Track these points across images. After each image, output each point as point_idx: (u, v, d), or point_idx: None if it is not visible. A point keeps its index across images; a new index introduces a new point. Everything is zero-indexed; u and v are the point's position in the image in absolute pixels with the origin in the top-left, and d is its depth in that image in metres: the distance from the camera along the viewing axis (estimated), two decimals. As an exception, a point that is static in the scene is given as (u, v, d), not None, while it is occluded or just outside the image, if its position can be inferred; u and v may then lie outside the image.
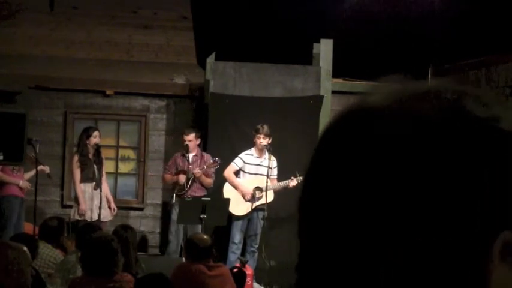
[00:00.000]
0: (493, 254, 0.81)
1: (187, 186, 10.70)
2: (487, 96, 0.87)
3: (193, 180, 10.68)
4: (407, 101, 0.85)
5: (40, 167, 10.42)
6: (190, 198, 10.30)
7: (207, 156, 10.91)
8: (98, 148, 10.68)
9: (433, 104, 0.84)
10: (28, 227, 9.94)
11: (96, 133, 10.74)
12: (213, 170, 10.78)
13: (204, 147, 11.57)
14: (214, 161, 10.66)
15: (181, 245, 10.73)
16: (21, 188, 10.73)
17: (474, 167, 0.82)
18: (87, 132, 10.74)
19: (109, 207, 10.77)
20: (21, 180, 10.68)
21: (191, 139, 10.77)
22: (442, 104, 0.84)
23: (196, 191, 10.65)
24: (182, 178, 10.73)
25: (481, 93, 0.87)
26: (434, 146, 0.82)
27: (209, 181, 10.81)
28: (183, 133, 11.04)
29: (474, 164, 0.82)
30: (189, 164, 10.77)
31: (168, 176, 10.98)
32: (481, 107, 0.85)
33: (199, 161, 10.76)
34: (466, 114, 0.84)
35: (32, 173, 10.60)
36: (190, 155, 10.83)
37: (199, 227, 10.15)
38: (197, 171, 10.61)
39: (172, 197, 10.71)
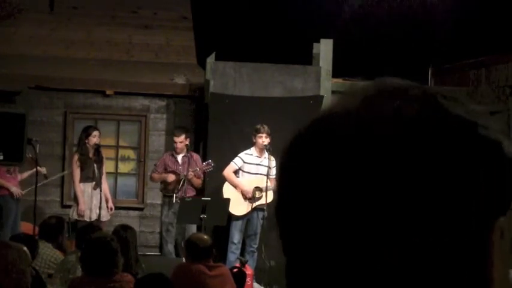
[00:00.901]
0: (491, 242, 0.83)
1: (178, 187, 10.68)
2: (455, 93, 0.87)
3: (184, 182, 10.67)
4: (386, 100, 0.85)
5: (37, 168, 10.43)
6: (190, 199, 10.30)
7: (196, 156, 10.91)
8: (98, 148, 10.68)
9: (411, 103, 0.84)
10: (28, 227, 9.93)
11: (95, 132, 10.73)
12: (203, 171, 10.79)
13: (204, 147, 11.57)
14: (208, 164, 10.65)
15: (175, 246, 10.77)
16: (18, 186, 10.71)
17: (465, 164, 0.82)
18: (86, 132, 10.74)
19: (106, 206, 10.76)
20: (13, 185, 10.64)
21: (182, 140, 10.76)
22: (421, 102, 0.84)
23: (188, 192, 10.64)
24: (171, 179, 10.70)
25: (449, 91, 0.87)
26: (423, 145, 0.81)
27: (199, 182, 10.83)
28: (173, 134, 11.01)
29: (465, 161, 0.82)
30: (179, 164, 10.77)
31: (155, 175, 10.95)
32: (453, 103, 0.85)
33: (188, 161, 10.74)
34: (443, 111, 0.84)
35: (29, 173, 10.58)
36: (180, 156, 10.82)
37: (194, 227, 10.20)
38: (190, 173, 10.60)
39: (172, 196, 10.69)
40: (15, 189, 10.58)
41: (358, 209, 0.81)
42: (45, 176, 11.00)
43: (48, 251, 7.43)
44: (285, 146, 0.89)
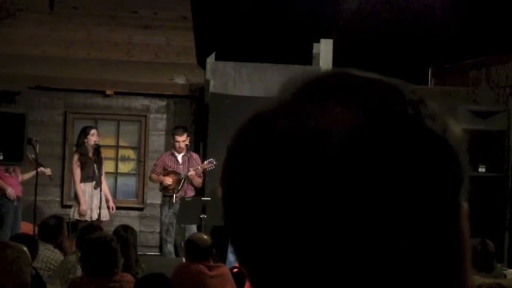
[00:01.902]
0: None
1: (178, 187, 10.67)
2: (396, 81, 0.86)
3: (185, 181, 10.66)
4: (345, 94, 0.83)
5: (41, 169, 10.45)
6: (190, 199, 10.31)
7: (196, 155, 10.92)
8: (97, 148, 10.69)
9: (348, 104, 0.82)
10: (28, 227, 9.92)
11: (93, 131, 10.74)
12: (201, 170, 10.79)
13: (204, 147, 11.57)
14: (209, 162, 10.65)
15: (175, 246, 10.77)
16: (18, 186, 10.70)
17: (414, 160, 0.80)
18: (84, 131, 10.76)
19: (107, 206, 10.76)
20: (12, 185, 10.61)
21: (184, 139, 10.76)
22: (358, 102, 0.82)
23: (188, 192, 10.64)
24: (169, 181, 10.68)
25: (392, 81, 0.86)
26: (369, 147, 0.80)
27: (200, 181, 10.84)
28: (173, 133, 11.00)
29: (413, 157, 0.80)
30: (179, 164, 10.77)
31: (154, 176, 10.93)
32: (394, 97, 0.83)
33: (188, 161, 10.74)
34: (382, 110, 0.82)
35: (30, 174, 10.55)
36: (180, 155, 10.82)
37: (194, 227, 10.21)
38: (192, 172, 10.60)
39: (172, 196, 10.69)
40: (10, 190, 10.52)
41: (343, 212, 0.79)
42: (50, 177, 11.05)
43: (48, 253, 7.40)
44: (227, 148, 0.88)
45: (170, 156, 10.88)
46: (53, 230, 7.93)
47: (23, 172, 10.75)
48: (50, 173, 10.91)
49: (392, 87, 0.84)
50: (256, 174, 0.82)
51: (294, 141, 0.81)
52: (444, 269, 0.82)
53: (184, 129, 10.94)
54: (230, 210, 0.86)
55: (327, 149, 0.80)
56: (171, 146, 11.27)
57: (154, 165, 11.13)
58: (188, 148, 10.84)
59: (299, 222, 0.80)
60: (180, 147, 10.77)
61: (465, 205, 0.84)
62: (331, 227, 0.79)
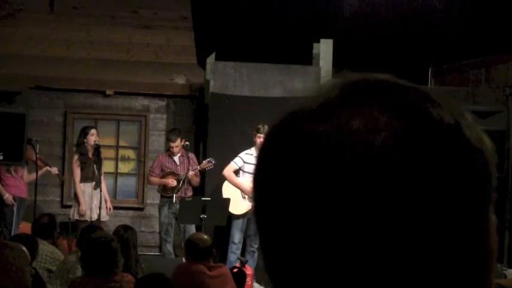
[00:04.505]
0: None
1: (178, 187, 10.66)
2: (434, 93, 0.86)
3: (184, 181, 10.66)
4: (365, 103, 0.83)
5: (47, 168, 10.51)
6: (190, 199, 10.31)
7: (192, 155, 10.92)
8: (98, 148, 10.68)
9: (390, 100, 0.82)
10: (28, 227, 9.92)
11: (93, 131, 10.73)
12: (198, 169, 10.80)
13: (204, 147, 11.58)
14: (208, 161, 10.65)
15: (174, 246, 10.77)
16: (20, 186, 10.70)
17: (452, 167, 0.81)
18: (84, 131, 10.76)
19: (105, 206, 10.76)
20: (13, 186, 10.60)
21: (178, 144, 10.77)
22: (402, 102, 0.83)
23: (187, 192, 10.64)
24: (173, 184, 10.67)
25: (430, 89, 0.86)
26: (417, 150, 0.80)
27: (198, 180, 10.84)
28: (168, 138, 11.02)
29: (451, 164, 0.81)
30: (176, 165, 10.78)
31: (155, 179, 10.88)
32: (431, 104, 0.84)
33: (186, 161, 10.73)
34: (419, 117, 0.82)
35: (34, 176, 10.52)
36: (177, 156, 10.82)
37: (193, 227, 10.21)
38: (191, 172, 10.59)
39: (171, 197, 10.68)
40: (7, 197, 10.50)
41: (360, 210, 0.80)
42: (59, 176, 11.12)
43: (44, 247, 7.44)
44: (261, 147, 0.88)
45: (167, 157, 10.87)
46: (48, 228, 7.96)
47: (30, 172, 10.72)
48: (57, 172, 10.96)
49: (429, 96, 0.85)
50: (297, 174, 0.82)
51: (335, 143, 0.81)
52: (472, 278, 0.83)
53: (177, 134, 10.91)
54: (263, 212, 0.86)
55: (367, 151, 0.80)
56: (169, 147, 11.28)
57: (151, 167, 11.09)
58: (188, 148, 10.82)
59: (335, 225, 0.80)
60: (175, 151, 10.79)
61: (493, 217, 0.85)
62: (367, 232, 0.80)
